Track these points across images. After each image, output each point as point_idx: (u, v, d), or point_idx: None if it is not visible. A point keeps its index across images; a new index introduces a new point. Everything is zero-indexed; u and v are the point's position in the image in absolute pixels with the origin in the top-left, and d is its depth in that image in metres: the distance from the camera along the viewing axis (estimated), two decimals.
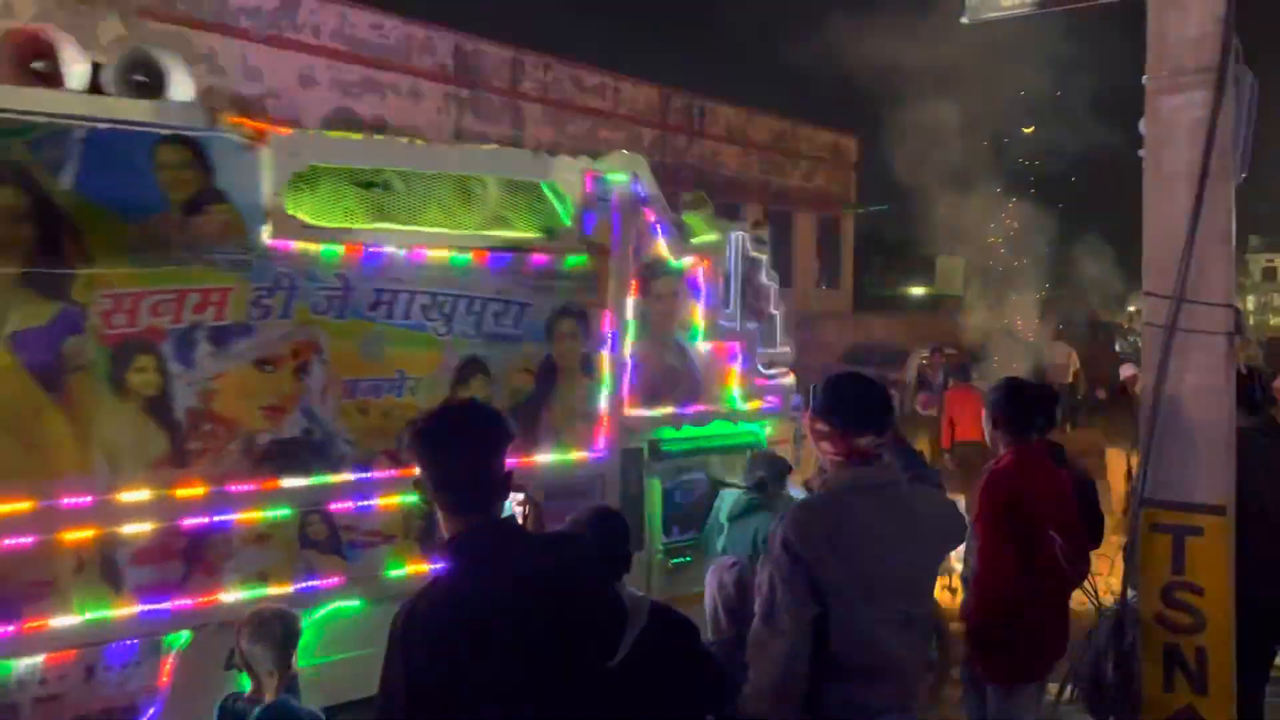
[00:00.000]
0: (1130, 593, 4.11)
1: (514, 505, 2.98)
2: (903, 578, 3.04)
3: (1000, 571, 4.24)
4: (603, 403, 5.14)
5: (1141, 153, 4.13)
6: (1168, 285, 3.99)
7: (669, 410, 5.45)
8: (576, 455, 5.07)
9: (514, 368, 4.77)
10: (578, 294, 4.96)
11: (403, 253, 4.39)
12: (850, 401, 3.09)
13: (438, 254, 4.49)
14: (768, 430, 5.92)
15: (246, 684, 3.66)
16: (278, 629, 3.56)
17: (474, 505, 2.52)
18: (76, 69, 3.80)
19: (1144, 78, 4.07)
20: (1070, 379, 18.38)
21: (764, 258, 6.22)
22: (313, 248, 4.13)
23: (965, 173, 18.87)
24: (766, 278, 6.27)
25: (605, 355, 5.11)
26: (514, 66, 18.35)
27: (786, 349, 6.34)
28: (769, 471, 5.19)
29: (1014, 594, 4.19)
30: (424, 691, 2.32)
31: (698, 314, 5.55)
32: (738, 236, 6.10)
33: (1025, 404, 4.55)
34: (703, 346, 5.59)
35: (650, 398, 5.35)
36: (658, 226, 5.30)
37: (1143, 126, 4.11)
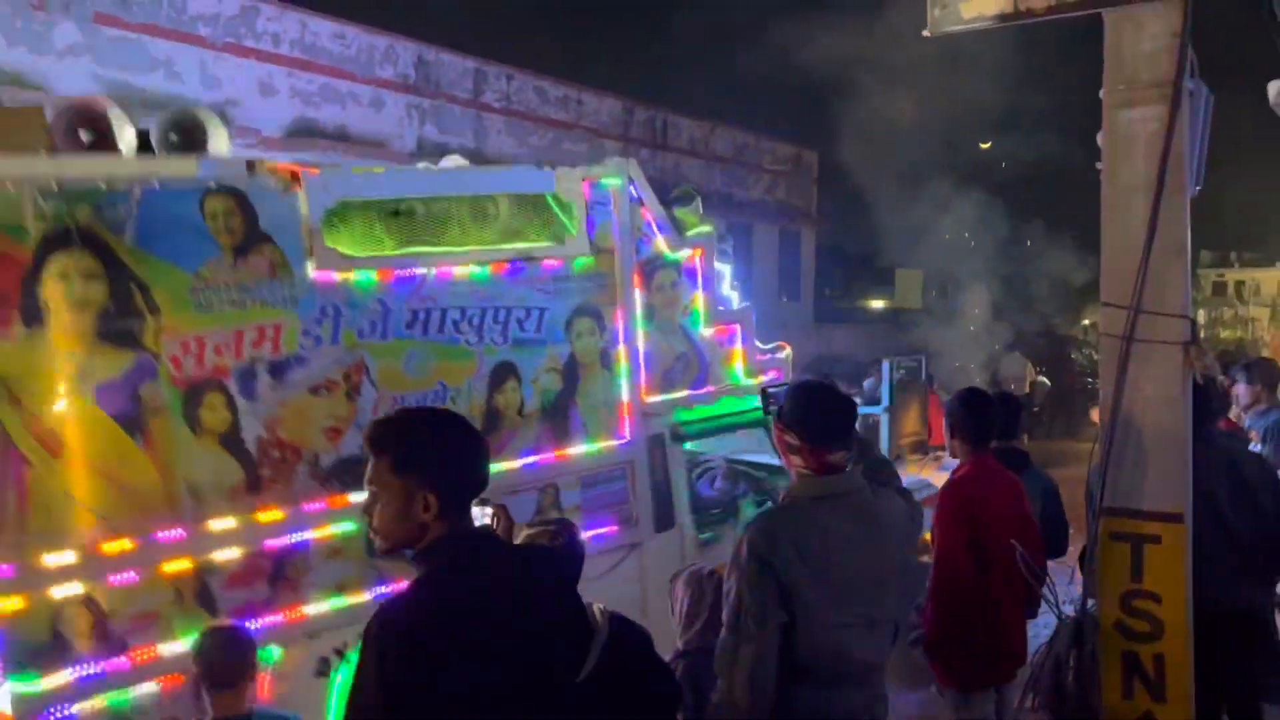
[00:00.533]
0: (1089, 601, 4.15)
1: (484, 517, 2.96)
2: (867, 581, 3.10)
3: (958, 579, 4.27)
4: (624, 393, 5.50)
5: (1099, 165, 4.19)
6: (1125, 296, 4.04)
7: (683, 393, 5.85)
8: (606, 444, 5.42)
9: (541, 369, 5.12)
10: (590, 294, 5.30)
11: (431, 273, 4.69)
12: (822, 417, 3.15)
13: (461, 270, 4.80)
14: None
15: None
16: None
17: (450, 513, 2.49)
18: (126, 133, 4.09)
19: (1101, 91, 4.13)
20: (1027, 390, 18.59)
21: (726, 270, 6.34)
22: (352, 276, 4.43)
23: (923, 184, 19.07)
24: (729, 289, 6.38)
25: (621, 348, 5.46)
26: (476, 77, 18.30)
27: None
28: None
29: (971, 601, 4.22)
30: (400, 700, 2.29)
31: (698, 301, 5.92)
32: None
33: (983, 413, 4.60)
34: (705, 331, 5.98)
35: (665, 384, 5.74)
36: (653, 223, 5.65)
37: (1100, 139, 4.17)
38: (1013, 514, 4.40)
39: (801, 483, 3.15)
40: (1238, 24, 5.76)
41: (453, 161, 5.85)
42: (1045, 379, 20.61)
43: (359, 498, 4.17)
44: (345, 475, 4.35)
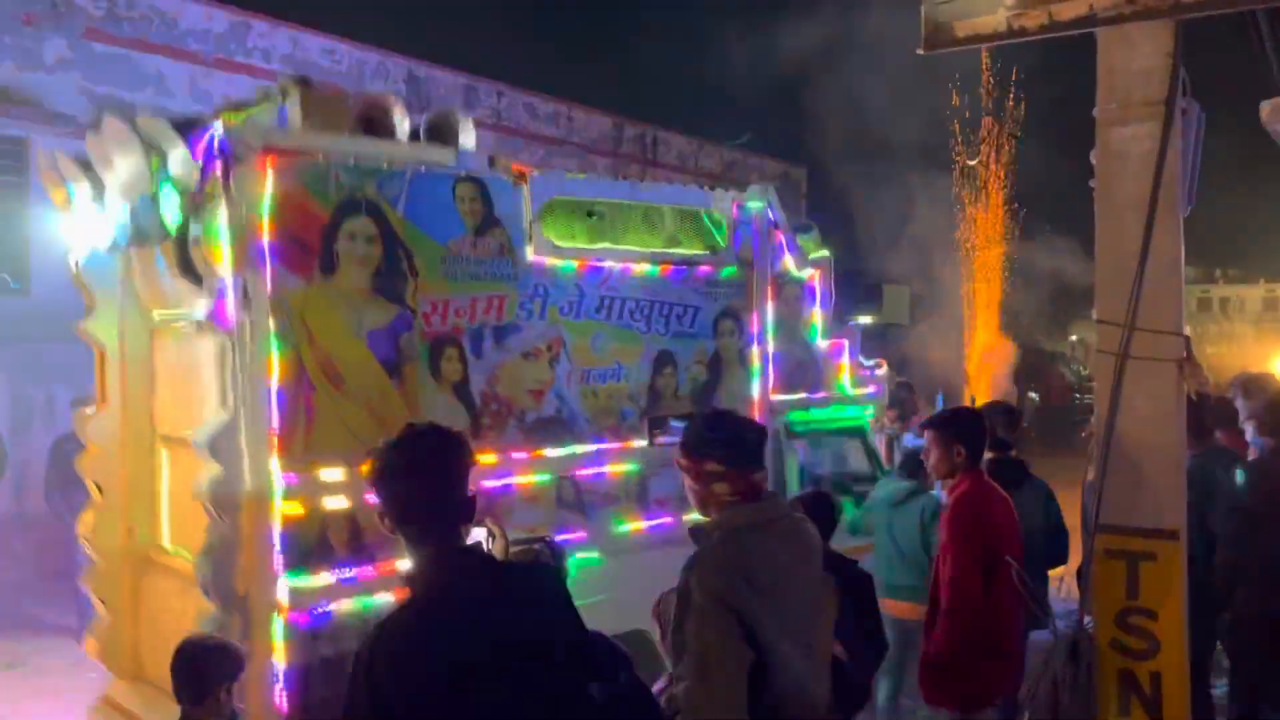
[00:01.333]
0: (1086, 618, 4.15)
1: (481, 536, 2.95)
2: (806, 607, 2.99)
3: (973, 600, 4.25)
4: (755, 389, 6.21)
5: (1092, 183, 4.21)
6: (1119, 313, 4.06)
7: (801, 396, 6.57)
8: None
9: (693, 359, 5.87)
10: (733, 299, 6.09)
11: (616, 267, 5.49)
12: (740, 439, 3.07)
13: (637, 268, 5.60)
14: (869, 413, 7.14)
15: None
16: (236, 660, 3.62)
17: (437, 535, 2.50)
18: (403, 125, 4.76)
19: (1094, 110, 4.15)
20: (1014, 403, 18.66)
21: None
22: (558, 263, 5.22)
23: (909, 200, 19.14)
24: None
25: (755, 349, 6.22)
26: (467, 93, 18.34)
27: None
28: (916, 462, 5.64)
29: (984, 619, 4.21)
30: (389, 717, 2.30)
31: (815, 316, 6.68)
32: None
33: (980, 430, 4.61)
34: (821, 343, 6.72)
35: (787, 386, 6.45)
36: (784, 244, 6.44)
37: (1094, 157, 4.19)
38: (1014, 530, 4.40)
39: (733, 511, 2.97)
40: (1226, 44, 5.81)
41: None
42: (1034, 395, 20.68)
43: (553, 452, 5.18)
44: (543, 432, 5.15)
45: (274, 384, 4.18)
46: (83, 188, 4.92)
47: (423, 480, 2.49)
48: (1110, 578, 4.07)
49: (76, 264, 5.24)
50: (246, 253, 4.11)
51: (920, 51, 4.42)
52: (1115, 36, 4.09)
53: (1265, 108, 4.25)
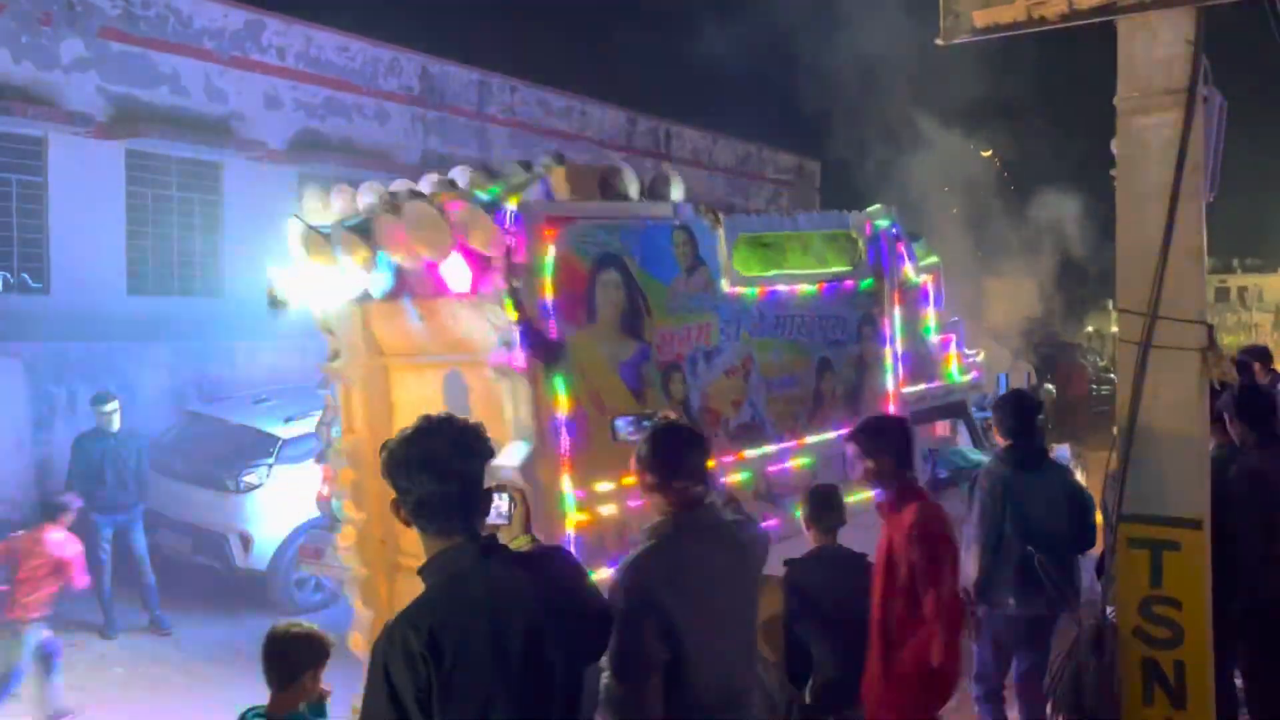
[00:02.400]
0: (1109, 607, 4.14)
1: (504, 503, 2.98)
2: (740, 609, 3.23)
3: (958, 611, 4.22)
4: (890, 384, 7.02)
5: (1113, 172, 4.19)
6: (1141, 302, 4.04)
7: (922, 387, 7.36)
8: None
9: (844, 364, 6.62)
10: (870, 307, 6.86)
11: (785, 289, 6.20)
12: (675, 454, 3.27)
13: (801, 288, 6.32)
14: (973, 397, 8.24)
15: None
16: (320, 648, 3.71)
17: (450, 526, 2.53)
18: (633, 186, 5.46)
19: (1115, 98, 4.14)
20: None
21: None
22: (745, 290, 5.91)
23: (926, 190, 19.07)
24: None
25: (888, 349, 6.99)
26: (480, 89, 18.35)
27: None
28: None
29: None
30: (406, 712, 2.35)
31: (929, 315, 7.53)
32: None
33: (904, 440, 4.53)
34: (934, 339, 7.58)
35: (911, 379, 7.22)
36: (904, 254, 7.21)
37: (1114, 147, 4.17)
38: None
39: (663, 520, 3.21)
40: (1247, 31, 5.77)
41: (462, 173, 6.03)
42: (1050, 387, 20.58)
43: (750, 453, 5.81)
44: (743, 436, 5.82)
45: (560, 415, 4.90)
46: (360, 254, 5.32)
47: (434, 474, 2.51)
48: (1133, 567, 4.06)
49: (323, 312, 5.87)
50: (536, 307, 4.83)
51: (939, 42, 4.41)
52: (1136, 24, 4.07)
53: None
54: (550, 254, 4.88)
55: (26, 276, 12.72)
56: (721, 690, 3.09)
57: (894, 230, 7.08)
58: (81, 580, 6.96)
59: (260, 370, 12.42)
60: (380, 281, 5.31)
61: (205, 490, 9.40)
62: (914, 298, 7.35)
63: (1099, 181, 4.27)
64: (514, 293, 4.79)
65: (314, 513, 8.30)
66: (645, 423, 4.91)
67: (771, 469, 5.94)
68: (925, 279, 7.50)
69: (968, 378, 7.84)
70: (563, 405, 4.90)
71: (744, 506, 3.88)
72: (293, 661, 3.65)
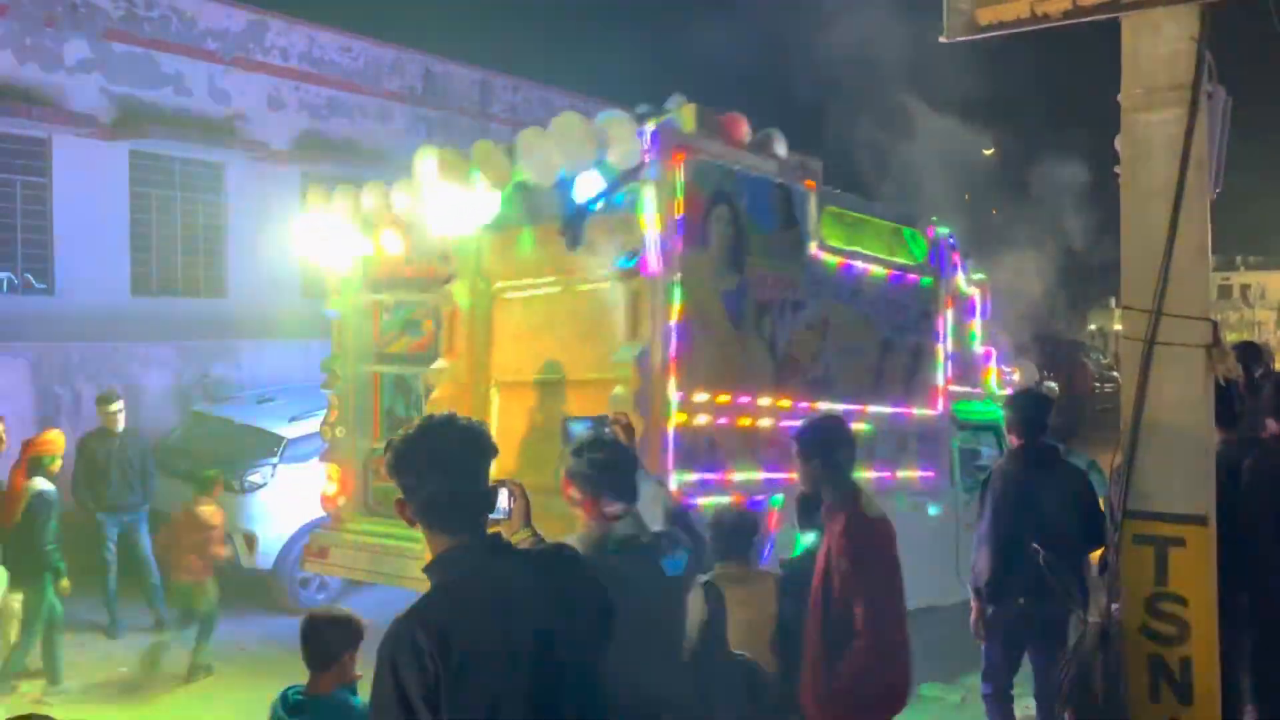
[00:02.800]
0: (1114, 605, 4.14)
1: (504, 498, 2.96)
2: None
3: (892, 623, 4.10)
4: (939, 379, 7.64)
5: (1117, 170, 4.19)
6: (1146, 300, 4.04)
7: (966, 390, 7.98)
8: (929, 413, 7.56)
9: (903, 348, 7.21)
10: (927, 303, 7.51)
11: (860, 265, 6.86)
12: (604, 471, 3.25)
13: (873, 268, 6.98)
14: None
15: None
16: (357, 630, 3.79)
17: (457, 525, 2.51)
18: (747, 139, 6.11)
19: (1119, 95, 4.13)
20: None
21: None
22: (827, 257, 6.58)
23: (928, 188, 19.02)
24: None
25: (940, 346, 7.64)
26: (483, 88, 18.36)
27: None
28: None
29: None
30: (411, 708, 2.34)
31: (975, 325, 8.21)
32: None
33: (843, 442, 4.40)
34: (979, 348, 8.26)
35: (959, 380, 7.84)
36: (958, 264, 7.89)
37: (1118, 144, 4.17)
38: None
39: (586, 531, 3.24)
40: (1250, 28, 5.77)
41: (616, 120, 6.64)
42: (1053, 384, 20.55)
43: (822, 406, 6.26)
44: (817, 388, 6.45)
45: (672, 323, 5.51)
46: (497, 172, 5.87)
47: (442, 472, 2.50)
48: (1139, 564, 4.06)
49: (446, 239, 6.28)
50: (664, 221, 5.48)
51: (943, 39, 4.41)
52: (1140, 21, 4.07)
53: None
54: (679, 177, 5.53)
55: (31, 277, 12.75)
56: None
57: (951, 240, 7.81)
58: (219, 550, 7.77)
59: (265, 370, 12.44)
60: (499, 204, 5.89)
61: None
62: (964, 306, 8.03)
63: (1103, 177, 4.27)
64: (640, 205, 5.48)
65: (319, 512, 8.31)
66: (598, 425, 4.88)
67: None
68: (974, 291, 8.22)
69: (1004, 392, 8.11)
70: (674, 314, 5.54)
71: (676, 533, 3.69)
72: (331, 643, 3.74)
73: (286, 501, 9.09)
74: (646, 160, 5.44)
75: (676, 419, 5.48)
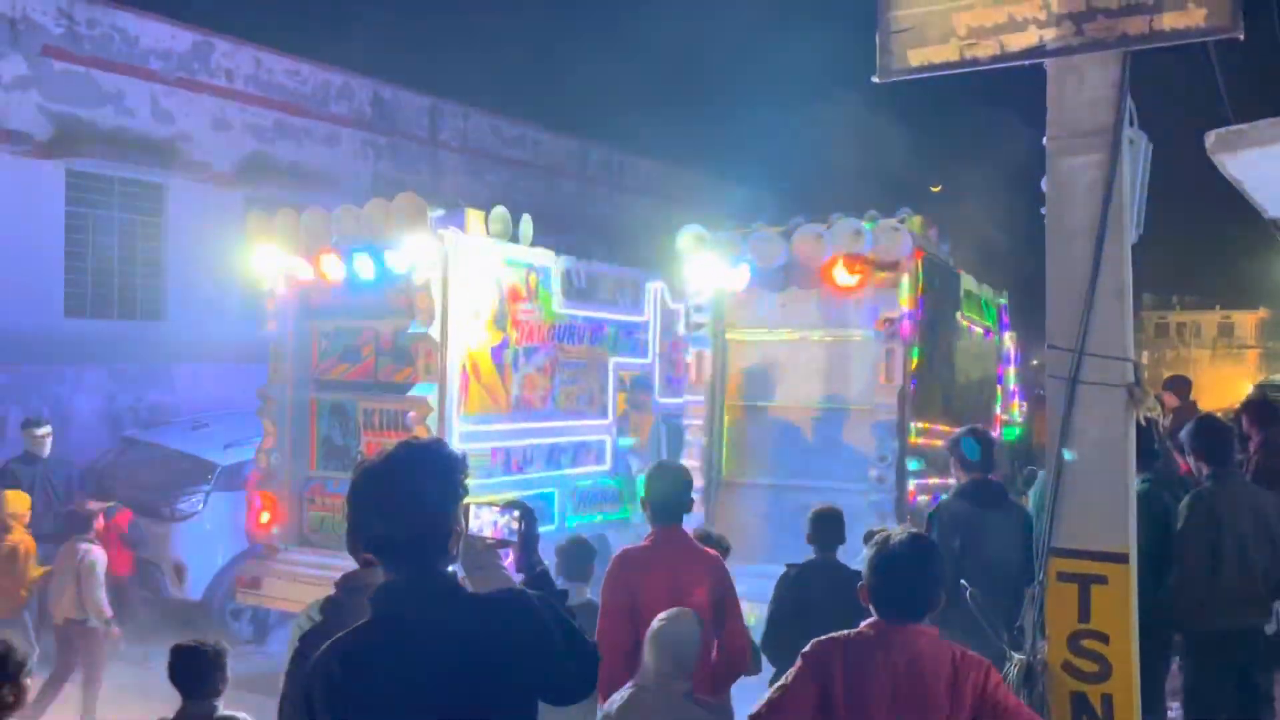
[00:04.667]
0: (1041, 641, 4.17)
1: (509, 519, 2.85)
2: None
3: None
4: (1000, 411, 10.54)
5: (1044, 210, 4.27)
6: (1070, 339, 4.10)
7: (1006, 418, 10.73)
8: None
9: (988, 386, 10.06)
10: (995, 354, 10.35)
11: (974, 326, 9.46)
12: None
13: (977, 329, 9.60)
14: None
15: None
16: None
17: (405, 558, 2.42)
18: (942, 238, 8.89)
19: (1045, 139, 4.22)
20: None
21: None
22: (963, 322, 9.18)
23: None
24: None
25: (998, 388, 10.45)
26: (432, 114, 18.33)
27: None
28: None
29: None
30: None
31: (1010, 372, 11.16)
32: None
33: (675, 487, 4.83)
34: (1011, 386, 11.20)
35: (1002, 410, 10.74)
36: (1006, 324, 10.72)
37: (1045, 185, 4.25)
38: None
39: None
40: (1175, 74, 5.92)
41: (407, 199, 6.49)
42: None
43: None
44: (950, 414, 8.25)
45: (910, 372, 7.53)
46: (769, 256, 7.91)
47: (384, 508, 2.43)
48: (1062, 600, 4.10)
49: (693, 304, 8.47)
50: (912, 300, 7.51)
51: (875, 79, 4.47)
52: (1064, 67, 4.15)
53: (1210, 137, 4.33)
54: (919, 269, 7.57)
55: None
56: None
57: (1005, 306, 10.55)
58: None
59: (201, 395, 12.24)
60: (745, 275, 7.93)
61: (140, 518, 9.21)
62: (1004, 355, 10.82)
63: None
64: (903, 288, 7.47)
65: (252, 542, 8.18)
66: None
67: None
68: (1010, 345, 11.08)
69: (1021, 419, 11.67)
70: (913, 365, 7.55)
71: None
72: (202, 673, 3.90)
73: (218, 530, 8.92)
74: (905, 255, 7.46)
75: (911, 440, 7.53)
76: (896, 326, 7.44)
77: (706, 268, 8.04)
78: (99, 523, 7.24)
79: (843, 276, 7.60)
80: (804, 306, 8.03)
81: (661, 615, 4.06)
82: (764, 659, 4.96)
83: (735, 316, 8.35)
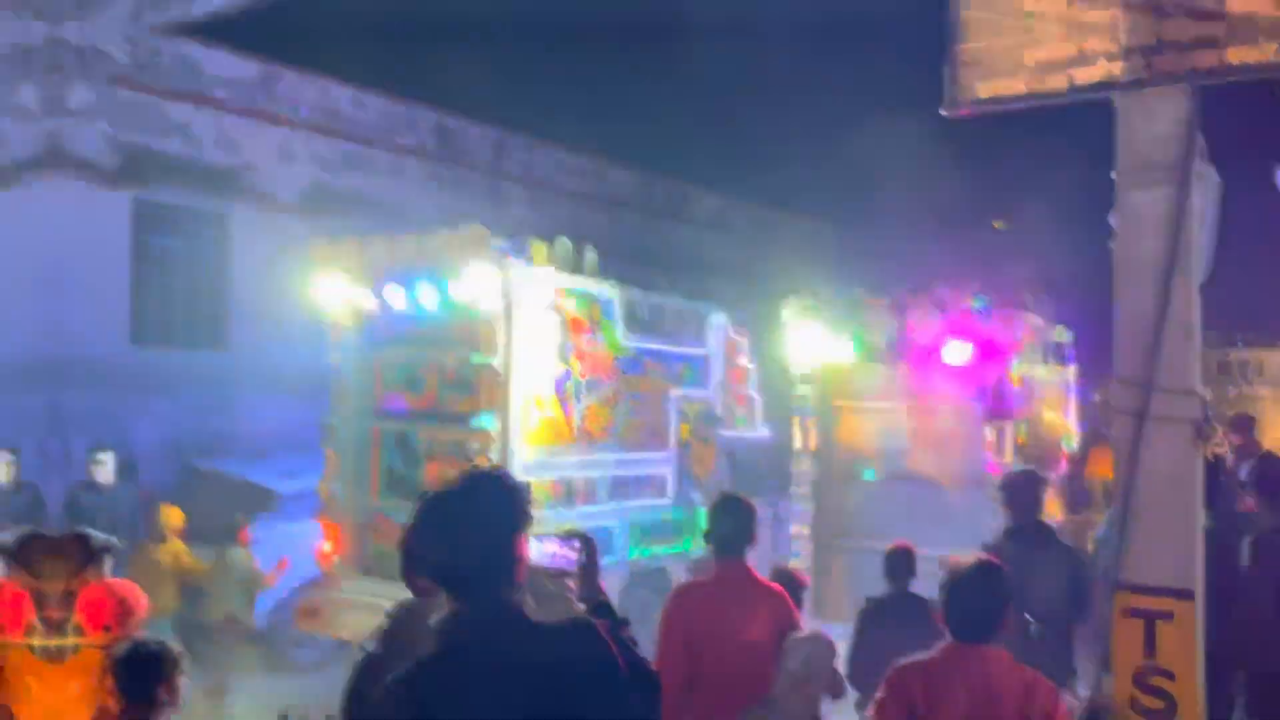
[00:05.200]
0: (1104, 676, 4.13)
1: (569, 549, 2.87)
2: None
3: None
4: (1070, 442, 10.67)
5: (1112, 244, 4.25)
6: (1137, 373, 4.08)
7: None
8: None
9: (1059, 414, 10.06)
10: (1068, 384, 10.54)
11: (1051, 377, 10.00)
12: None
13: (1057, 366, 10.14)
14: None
15: None
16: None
17: (473, 587, 2.40)
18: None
19: (1114, 172, 4.21)
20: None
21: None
22: (1042, 372, 9.54)
23: (936, 256, 19.15)
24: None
25: (1057, 415, 10.27)
26: (496, 147, 18.48)
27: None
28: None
29: None
30: None
31: (1075, 409, 11.14)
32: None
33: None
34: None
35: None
36: (1070, 355, 10.42)
37: (1113, 219, 4.24)
38: None
39: None
40: (1246, 110, 5.88)
41: (471, 229, 6.61)
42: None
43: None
44: (1039, 452, 8.84)
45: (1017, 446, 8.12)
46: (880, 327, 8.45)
47: (452, 538, 2.41)
48: (1129, 636, 4.05)
49: (803, 366, 8.83)
50: (1023, 377, 8.36)
51: (942, 112, 4.49)
52: (1134, 101, 4.15)
53: None
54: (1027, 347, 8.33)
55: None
56: None
57: (1072, 343, 10.46)
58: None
59: (264, 425, 12.41)
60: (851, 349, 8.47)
61: (203, 546, 9.35)
62: (1070, 391, 10.90)
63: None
64: (1012, 369, 7.87)
65: (314, 570, 8.28)
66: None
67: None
68: (1073, 378, 11.20)
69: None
70: (1019, 440, 8.02)
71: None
72: (146, 677, 3.65)
73: (281, 559, 9.03)
74: (1017, 338, 8.12)
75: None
76: (1007, 405, 7.94)
77: (812, 339, 8.36)
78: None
79: (954, 353, 7.97)
80: (913, 380, 8.47)
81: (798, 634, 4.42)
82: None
83: (843, 387, 8.83)
